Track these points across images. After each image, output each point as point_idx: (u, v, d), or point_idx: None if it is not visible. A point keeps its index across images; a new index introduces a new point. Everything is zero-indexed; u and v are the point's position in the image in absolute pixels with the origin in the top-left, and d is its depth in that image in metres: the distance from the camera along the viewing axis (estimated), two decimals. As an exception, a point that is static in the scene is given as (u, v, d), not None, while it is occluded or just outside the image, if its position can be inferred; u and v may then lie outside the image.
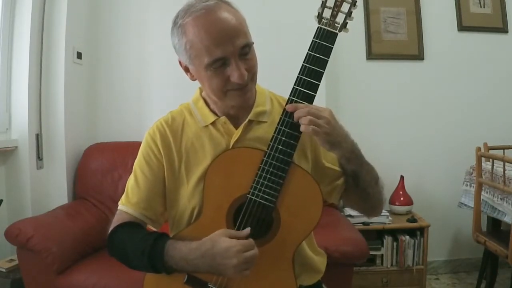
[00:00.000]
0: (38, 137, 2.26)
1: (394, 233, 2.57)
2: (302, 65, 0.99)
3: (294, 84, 0.99)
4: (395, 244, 2.54)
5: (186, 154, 1.08)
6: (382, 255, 2.54)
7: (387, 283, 2.53)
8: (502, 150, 2.50)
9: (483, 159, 2.30)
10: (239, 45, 0.96)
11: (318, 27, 0.99)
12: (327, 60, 0.98)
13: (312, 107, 0.96)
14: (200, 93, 1.14)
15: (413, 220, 2.55)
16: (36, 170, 2.24)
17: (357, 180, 1.06)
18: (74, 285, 1.82)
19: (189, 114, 1.12)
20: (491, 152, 2.43)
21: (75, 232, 2.02)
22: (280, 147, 0.97)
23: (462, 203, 2.55)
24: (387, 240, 2.53)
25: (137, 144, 1.14)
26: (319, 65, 0.98)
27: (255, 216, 0.98)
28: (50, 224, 1.98)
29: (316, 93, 0.99)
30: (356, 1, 1.00)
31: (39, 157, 2.26)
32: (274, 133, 0.98)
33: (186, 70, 1.06)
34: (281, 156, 0.97)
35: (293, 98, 0.98)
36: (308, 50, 0.99)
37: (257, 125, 1.09)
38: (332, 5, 0.99)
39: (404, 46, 2.88)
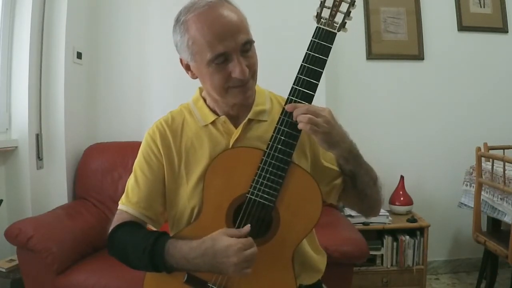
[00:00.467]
0: (38, 137, 2.26)
1: (394, 233, 2.57)
2: (301, 64, 0.99)
3: (293, 84, 0.99)
4: (395, 244, 2.54)
5: (185, 154, 1.08)
6: (382, 255, 2.54)
7: (387, 283, 2.53)
8: (502, 150, 2.50)
9: (483, 159, 2.30)
10: (240, 41, 0.97)
11: (317, 27, 1.00)
12: (326, 60, 0.99)
13: (311, 106, 0.96)
14: (200, 93, 1.14)
15: (413, 220, 2.55)
16: (36, 170, 2.24)
17: (355, 180, 1.06)
18: (74, 285, 1.82)
19: (188, 114, 1.12)
20: (491, 152, 2.43)
21: (75, 232, 2.02)
22: (279, 146, 0.98)
23: (462, 203, 2.55)
24: (387, 240, 2.53)
25: (137, 144, 1.14)
26: (318, 64, 0.98)
27: (255, 215, 0.98)
28: (50, 224, 1.98)
29: (315, 92, 0.99)
30: (355, 1, 1.00)
31: (39, 157, 2.26)
32: (274, 132, 0.99)
33: (187, 68, 1.07)
34: (280, 155, 0.97)
35: (292, 97, 0.99)
36: (307, 50, 0.99)
37: (257, 124, 1.09)
38: (331, 5, 0.99)
39: (404, 46, 2.88)
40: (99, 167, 2.39)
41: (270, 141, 0.99)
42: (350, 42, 2.72)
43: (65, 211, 2.18)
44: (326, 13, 0.99)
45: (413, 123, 2.90)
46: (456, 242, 2.96)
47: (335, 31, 0.99)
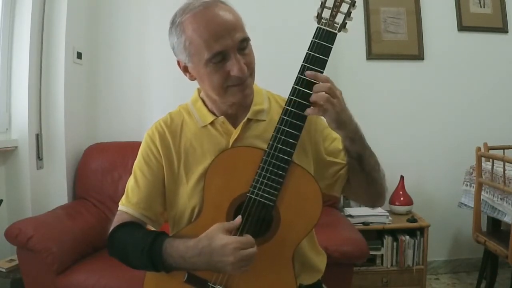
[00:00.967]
0: (38, 137, 2.26)
1: (394, 233, 2.57)
2: (302, 64, 0.99)
3: (294, 84, 0.99)
4: (395, 244, 2.54)
5: (185, 154, 1.08)
6: (382, 255, 2.54)
7: (387, 283, 2.54)
8: (502, 150, 2.50)
9: (483, 159, 2.30)
10: (237, 39, 0.98)
11: (317, 27, 1.00)
12: (327, 60, 0.99)
13: (327, 86, 0.95)
14: (199, 94, 1.15)
15: (413, 220, 2.55)
16: (36, 170, 2.24)
17: (362, 162, 1.05)
18: (74, 285, 1.82)
19: (187, 114, 1.12)
20: (491, 152, 2.44)
21: (75, 232, 2.02)
22: (280, 146, 0.98)
23: (462, 203, 2.55)
24: (387, 240, 2.53)
25: (137, 144, 1.14)
26: (319, 65, 0.98)
27: (255, 215, 0.99)
28: (50, 224, 1.98)
29: (315, 92, 0.99)
30: (355, 2, 1.00)
31: (39, 157, 2.26)
32: (274, 132, 0.99)
33: (185, 70, 1.07)
34: (281, 155, 0.97)
35: (292, 97, 0.99)
36: (308, 50, 0.99)
37: (255, 124, 1.09)
38: (331, 6, 0.99)
39: (404, 46, 2.89)
40: (99, 167, 2.39)
41: (270, 140, 0.99)
42: (350, 42, 2.72)
43: (65, 211, 2.19)
44: (326, 13, 0.99)
45: (413, 123, 2.90)
46: (456, 242, 2.96)
47: (336, 31, 0.99)
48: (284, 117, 0.99)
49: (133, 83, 2.69)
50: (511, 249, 1.98)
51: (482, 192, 2.29)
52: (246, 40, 1.01)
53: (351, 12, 1.00)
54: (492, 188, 2.22)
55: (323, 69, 0.98)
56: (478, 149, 2.32)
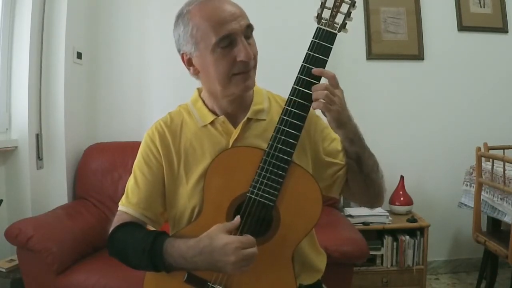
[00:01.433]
0: (38, 137, 2.26)
1: (394, 233, 2.57)
2: (302, 65, 0.99)
3: (294, 84, 0.99)
4: (395, 244, 2.54)
5: (185, 154, 1.08)
6: (382, 255, 2.54)
7: (387, 283, 2.54)
8: (502, 150, 2.50)
9: (483, 159, 2.30)
10: (244, 24, 1.00)
11: (317, 27, 1.00)
12: (327, 60, 0.99)
13: (329, 86, 0.97)
14: (199, 94, 1.15)
15: (413, 220, 2.55)
16: (36, 170, 2.24)
17: (360, 164, 1.06)
18: (74, 285, 1.82)
19: (187, 114, 1.12)
20: (491, 152, 2.44)
21: (75, 232, 2.02)
22: (280, 146, 0.98)
23: (462, 203, 2.55)
24: (387, 240, 2.53)
25: (137, 144, 1.14)
26: (319, 65, 0.98)
27: (255, 215, 0.99)
28: (50, 224, 1.98)
29: (315, 92, 0.99)
30: (355, 2, 1.00)
31: (39, 157, 2.26)
32: (274, 132, 0.99)
33: (189, 63, 1.07)
34: (281, 155, 0.97)
35: (292, 97, 0.99)
36: (308, 50, 0.99)
37: (255, 123, 1.09)
38: (331, 6, 0.99)
39: (404, 46, 2.89)
40: (99, 167, 2.40)
41: (270, 140, 0.99)
42: (350, 42, 2.72)
43: (65, 211, 2.19)
44: (326, 13, 1.00)
45: (413, 123, 2.90)
46: (456, 242, 2.96)
47: (336, 31, 0.99)
48: (284, 117, 0.99)
49: (133, 83, 2.69)
50: (511, 249, 1.98)
51: (482, 192, 2.29)
52: (251, 28, 1.03)
53: (351, 12, 1.00)
54: (492, 188, 2.22)
55: (323, 69, 0.99)
56: (478, 149, 2.32)
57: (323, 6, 1.00)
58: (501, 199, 2.14)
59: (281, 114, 0.99)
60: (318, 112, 1.02)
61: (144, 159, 1.10)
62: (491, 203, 2.24)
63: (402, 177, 2.72)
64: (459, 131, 2.90)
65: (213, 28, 0.98)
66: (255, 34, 1.05)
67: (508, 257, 2.01)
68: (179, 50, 1.08)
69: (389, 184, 2.69)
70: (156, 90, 2.69)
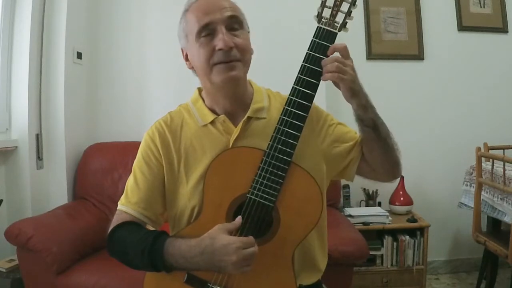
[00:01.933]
0: (38, 137, 2.26)
1: (394, 233, 2.57)
2: (302, 64, 0.99)
3: (294, 84, 0.99)
4: (395, 244, 2.54)
5: (185, 154, 1.08)
6: (382, 255, 2.54)
7: (387, 283, 2.53)
8: (502, 150, 2.50)
9: (483, 159, 2.30)
10: (226, 15, 1.01)
11: (317, 26, 1.00)
12: (327, 60, 0.98)
13: (338, 57, 0.97)
14: (199, 93, 1.15)
15: (413, 220, 2.55)
16: (36, 170, 2.24)
17: (377, 129, 1.05)
18: (74, 285, 1.82)
19: (188, 114, 1.12)
20: (491, 152, 2.44)
21: (75, 232, 2.02)
22: (280, 146, 0.98)
23: (462, 203, 2.55)
24: (387, 240, 2.53)
25: (137, 144, 1.14)
26: (319, 64, 0.98)
27: (255, 215, 0.98)
28: (50, 224, 1.98)
29: (315, 92, 0.99)
30: (356, 1, 1.00)
31: (39, 157, 2.26)
32: (274, 132, 0.99)
33: (186, 58, 1.10)
34: (281, 155, 0.97)
35: (292, 97, 0.99)
36: (308, 50, 0.99)
37: (256, 122, 1.09)
38: (331, 5, 0.99)
39: (404, 46, 2.89)
40: (99, 167, 2.39)
41: (270, 140, 0.99)
42: (350, 42, 2.68)
43: (65, 211, 2.18)
44: (327, 12, 0.99)
45: (413, 123, 2.90)
46: (456, 242, 2.96)
47: (336, 31, 0.99)
48: (284, 117, 0.99)
49: (133, 83, 2.69)
50: (511, 249, 1.98)
51: (482, 192, 2.29)
52: (236, 19, 1.03)
53: (351, 11, 1.00)
54: (492, 188, 2.22)
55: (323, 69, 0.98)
56: (478, 149, 2.32)
57: (323, 5, 0.99)
58: (501, 199, 2.14)
59: (281, 114, 0.99)
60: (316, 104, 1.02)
61: (144, 158, 1.10)
62: (491, 203, 2.24)
63: (402, 177, 2.72)
64: (459, 131, 2.90)
65: (197, 18, 1.02)
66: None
67: (508, 257, 2.01)
68: (180, 45, 1.11)
69: (389, 184, 2.71)
70: (156, 90, 2.68)
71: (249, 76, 1.14)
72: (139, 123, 2.61)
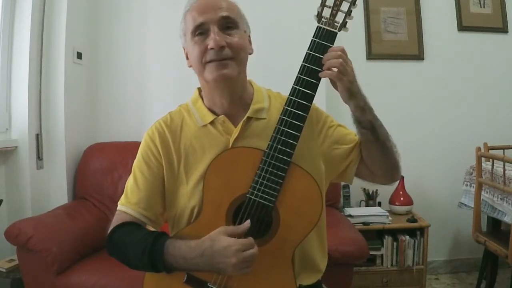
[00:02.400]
0: (38, 137, 2.26)
1: (394, 233, 2.57)
2: (302, 64, 0.99)
3: (294, 84, 0.99)
4: (395, 244, 2.54)
5: (185, 154, 1.08)
6: (382, 255, 2.54)
7: (387, 283, 2.53)
8: (502, 150, 2.50)
9: (483, 159, 2.30)
10: (220, 15, 1.02)
11: (317, 26, 0.99)
12: (327, 60, 0.98)
13: (343, 54, 0.97)
14: (199, 93, 1.15)
15: (413, 220, 2.55)
16: (36, 170, 2.24)
17: (375, 132, 1.05)
18: (74, 285, 1.82)
19: (187, 114, 1.12)
20: (491, 152, 2.44)
21: (75, 232, 2.02)
22: (279, 146, 0.98)
23: (462, 203, 2.55)
24: (387, 240, 2.52)
25: (137, 144, 1.14)
26: (319, 64, 0.98)
27: (255, 215, 0.98)
28: (50, 224, 1.98)
29: (315, 92, 0.99)
30: (356, 0, 1.00)
31: (39, 157, 2.26)
32: (274, 132, 0.99)
33: (186, 56, 1.11)
34: (280, 155, 0.97)
35: (292, 97, 0.98)
36: (308, 50, 0.99)
37: (255, 122, 1.09)
38: (331, 4, 0.99)
39: (404, 46, 2.89)
40: (99, 167, 2.39)
41: (270, 141, 0.99)
42: (350, 42, 2.69)
43: (65, 211, 2.18)
44: (326, 12, 0.99)
45: (413, 123, 2.90)
46: (456, 242, 2.96)
47: (336, 30, 0.99)
48: (283, 117, 0.98)
49: (133, 83, 2.69)
50: (511, 249, 1.98)
51: (482, 192, 2.29)
52: (231, 20, 1.04)
53: (351, 11, 0.99)
54: (492, 188, 2.22)
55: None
56: (478, 149, 2.32)
57: (323, 4, 0.99)
58: (501, 199, 2.14)
59: (281, 115, 0.99)
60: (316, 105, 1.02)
61: (144, 158, 1.10)
62: (491, 203, 2.24)
63: (402, 177, 2.71)
64: (459, 131, 2.90)
65: (193, 18, 1.04)
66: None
67: (508, 257, 2.01)
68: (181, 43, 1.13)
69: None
70: (156, 90, 2.68)
71: (249, 76, 1.14)
72: (139, 123, 2.61)
